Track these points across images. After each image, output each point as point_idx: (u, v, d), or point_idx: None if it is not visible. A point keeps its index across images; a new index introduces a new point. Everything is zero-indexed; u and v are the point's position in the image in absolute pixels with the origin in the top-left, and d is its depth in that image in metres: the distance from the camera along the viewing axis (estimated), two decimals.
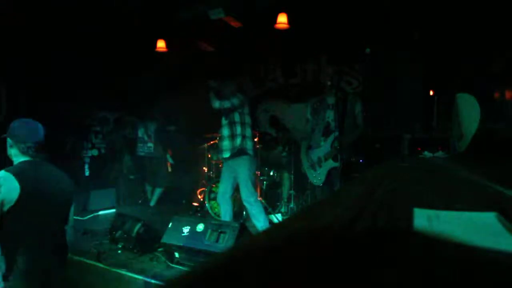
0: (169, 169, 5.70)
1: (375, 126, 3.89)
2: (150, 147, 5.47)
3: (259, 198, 4.14)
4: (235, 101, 3.63)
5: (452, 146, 2.21)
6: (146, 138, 5.47)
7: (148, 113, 5.55)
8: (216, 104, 3.64)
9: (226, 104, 3.62)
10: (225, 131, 3.69)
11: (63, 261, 2.12)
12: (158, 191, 5.56)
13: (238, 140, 3.62)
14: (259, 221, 3.66)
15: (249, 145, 3.65)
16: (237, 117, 3.67)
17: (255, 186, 3.73)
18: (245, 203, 3.74)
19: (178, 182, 5.91)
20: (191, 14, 4.67)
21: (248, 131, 3.67)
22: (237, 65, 6.28)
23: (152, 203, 5.55)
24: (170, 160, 5.70)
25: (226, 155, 3.67)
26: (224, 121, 3.73)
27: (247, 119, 3.70)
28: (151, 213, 5.26)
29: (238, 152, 3.63)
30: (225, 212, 3.78)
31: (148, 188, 5.71)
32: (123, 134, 6.30)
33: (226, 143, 3.67)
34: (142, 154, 5.53)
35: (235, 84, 3.81)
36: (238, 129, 3.65)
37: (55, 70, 4.86)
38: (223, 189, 3.77)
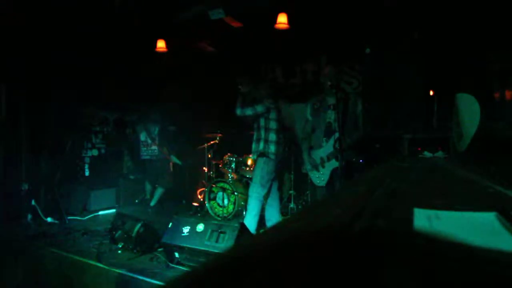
0: (171, 169, 5.69)
1: (375, 126, 3.89)
2: (154, 149, 5.46)
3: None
4: (259, 108, 3.80)
5: (452, 146, 2.21)
6: (149, 141, 5.46)
7: (149, 115, 5.54)
8: (238, 111, 3.85)
9: (248, 112, 3.82)
10: (254, 135, 3.94)
11: None
12: (159, 191, 5.54)
13: (261, 144, 3.84)
14: (246, 218, 3.79)
15: (271, 149, 3.82)
16: (262, 122, 3.86)
17: (262, 186, 3.82)
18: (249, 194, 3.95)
19: (178, 182, 5.91)
20: (191, 14, 4.67)
21: (272, 136, 3.83)
22: (237, 65, 6.28)
23: (152, 203, 5.54)
24: (177, 161, 5.66)
25: (253, 157, 4.00)
26: (254, 125, 3.95)
27: (272, 124, 3.84)
28: (151, 213, 5.26)
29: (260, 155, 3.86)
30: (269, 209, 4.06)
31: (148, 187, 5.67)
32: (123, 134, 6.29)
33: (253, 146, 3.93)
34: (147, 157, 5.51)
35: (266, 90, 3.97)
36: (262, 134, 3.85)
37: (55, 70, 4.85)
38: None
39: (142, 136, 5.49)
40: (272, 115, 3.85)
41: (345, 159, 3.04)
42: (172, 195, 5.81)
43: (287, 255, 0.37)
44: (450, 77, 3.88)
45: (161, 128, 5.50)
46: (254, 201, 3.80)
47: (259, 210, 3.85)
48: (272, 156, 3.83)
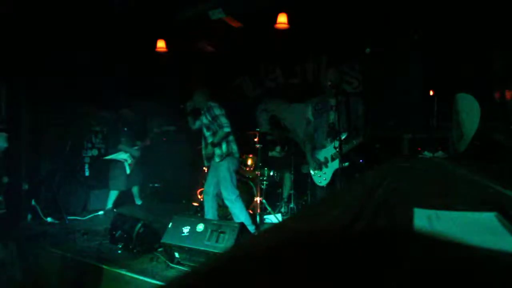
0: (128, 171, 5.22)
1: (375, 126, 3.90)
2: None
3: (258, 198, 4.19)
4: (219, 117, 3.82)
5: (452, 146, 2.21)
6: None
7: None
8: (195, 126, 4.10)
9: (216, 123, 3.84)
10: (210, 140, 3.96)
11: None
12: (113, 194, 5.13)
13: (224, 146, 3.89)
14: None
15: (234, 148, 3.94)
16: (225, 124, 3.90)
17: (234, 185, 3.91)
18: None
19: (178, 182, 5.90)
20: (191, 14, 4.67)
21: (231, 136, 3.92)
22: (237, 65, 6.28)
23: (108, 206, 5.12)
24: (123, 156, 5.27)
25: (217, 160, 3.94)
26: (208, 131, 3.97)
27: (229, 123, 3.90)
28: (150, 211, 5.23)
29: (225, 156, 3.91)
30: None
31: (135, 190, 5.43)
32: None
33: (216, 151, 3.93)
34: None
35: (204, 93, 4.02)
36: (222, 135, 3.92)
37: (55, 70, 4.86)
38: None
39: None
40: (225, 114, 3.87)
41: (348, 160, 3.05)
42: (172, 195, 5.80)
43: (287, 255, 0.37)
44: (450, 77, 3.88)
45: (111, 128, 5.56)
46: (237, 204, 3.84)
47: (243, 206, 3.92)
48: (237, 155, 3.94)
